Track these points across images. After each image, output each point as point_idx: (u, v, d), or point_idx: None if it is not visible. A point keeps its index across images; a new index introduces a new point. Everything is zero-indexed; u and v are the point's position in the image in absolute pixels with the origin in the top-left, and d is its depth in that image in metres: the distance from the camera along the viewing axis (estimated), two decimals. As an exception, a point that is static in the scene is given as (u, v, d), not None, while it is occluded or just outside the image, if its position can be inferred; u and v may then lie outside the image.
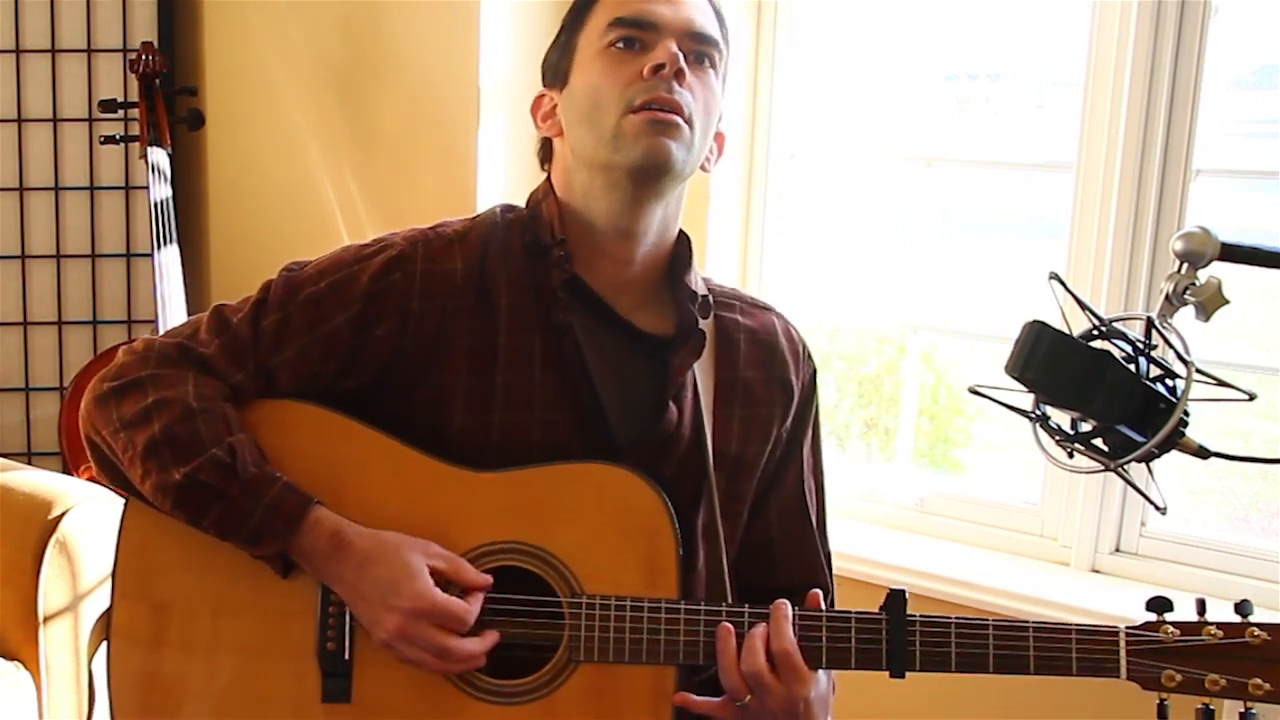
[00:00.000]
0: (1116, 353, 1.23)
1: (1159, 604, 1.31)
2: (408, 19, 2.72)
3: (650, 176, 1.38)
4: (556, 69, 1.46)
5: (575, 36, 1.44)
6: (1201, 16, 2.23)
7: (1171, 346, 1.23)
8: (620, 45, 1.38)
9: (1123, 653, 1.30)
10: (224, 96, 3.08)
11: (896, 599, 1.35)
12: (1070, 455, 1.29)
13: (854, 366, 2.92)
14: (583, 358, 1.42)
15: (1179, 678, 1.28)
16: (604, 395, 1.42)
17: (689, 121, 1.37)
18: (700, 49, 1.40)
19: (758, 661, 1.31)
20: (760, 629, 1.33)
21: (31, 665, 2.19)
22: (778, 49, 2.73)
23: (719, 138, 1.48)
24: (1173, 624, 1.30)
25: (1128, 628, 1.31)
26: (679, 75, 1.36)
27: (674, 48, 1.37)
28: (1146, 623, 1.31)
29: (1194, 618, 1.30)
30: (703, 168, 1.45)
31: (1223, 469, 2.36)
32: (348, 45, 2.84)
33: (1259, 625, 1.27)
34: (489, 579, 1.36)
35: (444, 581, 1.34)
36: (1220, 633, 1.28)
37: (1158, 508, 1.27)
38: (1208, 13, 2.23)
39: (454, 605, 1.32)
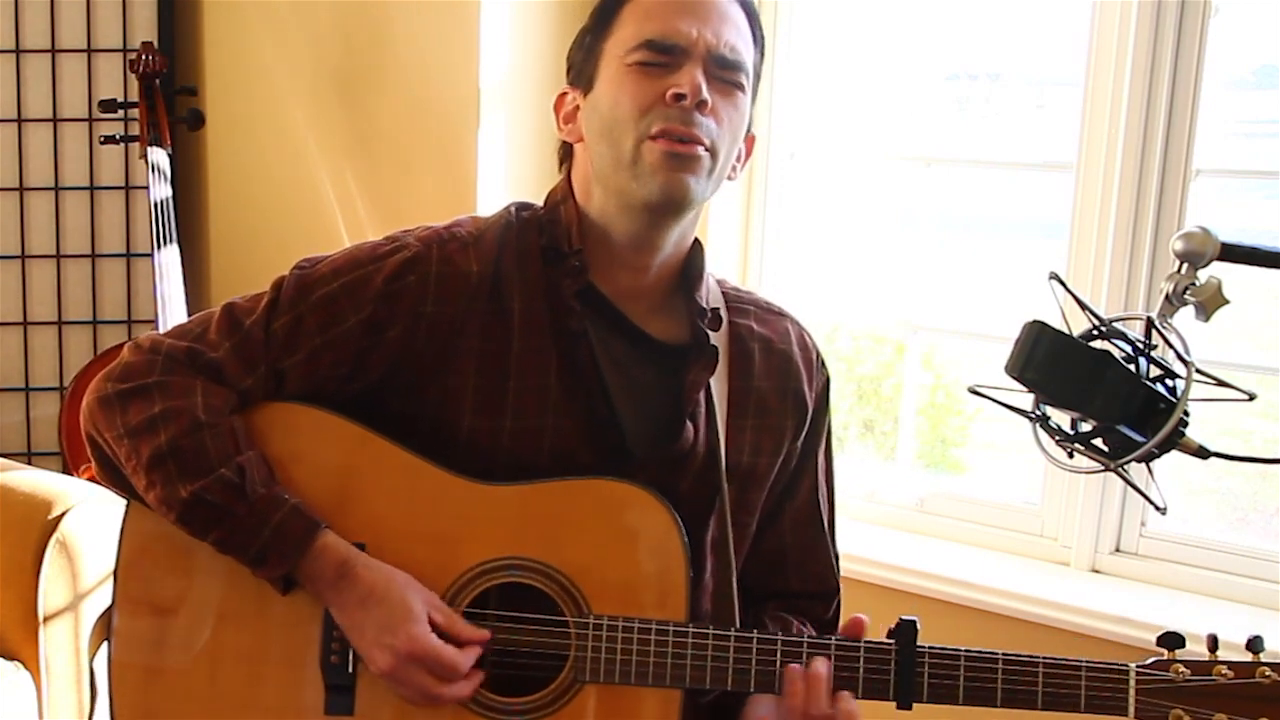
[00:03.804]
0: (1116, 353, 1.23)
1: (1170, 640, 1.30)
2: (407, 19, 2.72)
3: (667, 211, 1.36)
4: (581, 71, 1.42)
5: (601, 40, 1.40)
6: (1201, 16, 2.23)
7: (1171, 346, 1.22)
8: (644, 65, 1.34)
9: (1132, 691, 1.29)
10: (224, 96, 3.08)
11: (908, 629, 1.33)
12: (1070, 455, 1.28)
13: (853, 366, 2.92)
14: (597, 366, 1.40)
15: (1186, 718, 1.27)
16: (618, 405, 1.40)
17: (710, 150, 1.34)
18: (727, 75, 1.36)
19: (823, 707, 1.31)
20: (823, 668, 1.32)
21: (31, 665, 2.19)
22: (778, 49, 2.72)
23: (748, 141, 1.45)
24: (1183, 663, 1.29)
25: (1138, 666, 1.30)
26: (701, 105, 1.33)
27: (698, 77, 1.33)
28: (1156, 660, 1.30)
29: (1205, 655, 1.29)
30: (729, 177, 1.42)
31: (1223, 469, 2.36)
32: (348, 46, 2.84)
33: (1270, 665, 1.27)
34: (487, 634, 1.34)
35: (441, 631, 1.32)
36: (1231, 673, 1.27)
37: (1158, 508, 1.26)
38: (1208, 13, 2.22)
39: (447, 655, 1.30)
